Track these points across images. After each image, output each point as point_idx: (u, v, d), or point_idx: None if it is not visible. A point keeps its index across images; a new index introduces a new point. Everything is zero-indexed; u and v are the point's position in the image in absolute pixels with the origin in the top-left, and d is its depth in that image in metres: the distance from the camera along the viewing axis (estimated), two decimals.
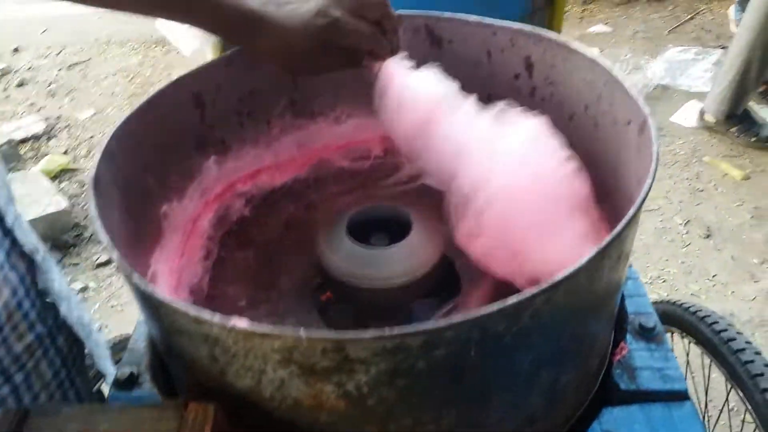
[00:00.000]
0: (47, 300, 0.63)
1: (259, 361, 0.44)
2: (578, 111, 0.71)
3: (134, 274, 0.46)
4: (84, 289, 2.09)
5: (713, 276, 2.03)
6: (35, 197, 2.38)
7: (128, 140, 0.63)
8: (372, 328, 0.41)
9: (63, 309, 0.64)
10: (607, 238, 0.45)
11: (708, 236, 2.15)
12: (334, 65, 0.71)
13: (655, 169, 0.49)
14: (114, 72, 3.27)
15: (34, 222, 2.27)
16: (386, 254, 0.66)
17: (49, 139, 2.93)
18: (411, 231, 0.68)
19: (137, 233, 0.65)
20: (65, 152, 2.82)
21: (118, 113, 3.00)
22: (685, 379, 1.18)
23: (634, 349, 0.65)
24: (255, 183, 0.84)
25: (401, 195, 0.87)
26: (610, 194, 0.64)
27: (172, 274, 0.69)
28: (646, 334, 0.66)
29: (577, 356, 0.55)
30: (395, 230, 0.70)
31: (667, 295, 1.99)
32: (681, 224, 2.20)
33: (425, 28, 0.75)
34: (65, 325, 0.65)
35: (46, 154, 2.79)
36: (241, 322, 0.41)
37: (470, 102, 0.65)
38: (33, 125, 2.98)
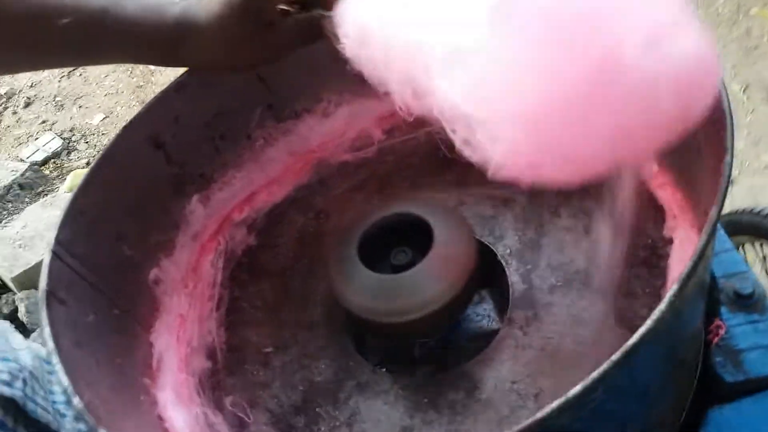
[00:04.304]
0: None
1: None
2: None
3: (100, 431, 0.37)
4: None
5: None
6: None
7: (83, 219, 0.54)
8: None
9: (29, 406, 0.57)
10: (684, 272, 0.33)
11: None
12: (290, 38, 0.58)
13: (732, 140, 0.36)
14: (113, 69, 3.17)
15: None
16: (408, 280, 0.55)
17: (69, 153, 2.90)
18: (433, 242, 0.57)
19: (127, 317, 0.57)
20: (87, 163, 2.78)
21: (127, 111, 2.92)
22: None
23: (732, 325, 0.53)
24: (252, 207, 0.74)
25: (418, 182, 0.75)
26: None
27: (180, 345, 0.61)
28: (745, 302, 0.54)
29: (669, 383, 0.44)
30: (415, 238, 0.59)
31: (738, 173, 1.82)
32: (740, 90, 1.98)
33: None
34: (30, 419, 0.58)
35: (70, 170, 2.76)
36: None
37: None
38: (50, 143, 2.94)
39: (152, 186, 0.62)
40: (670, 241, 0.55)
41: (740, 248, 1.02)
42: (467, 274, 0.55)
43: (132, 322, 0.57)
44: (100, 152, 0.56)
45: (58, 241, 0.51)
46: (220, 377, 0.64)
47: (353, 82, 0.71)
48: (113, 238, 0.57)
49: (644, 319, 0.57)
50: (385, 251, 0.60)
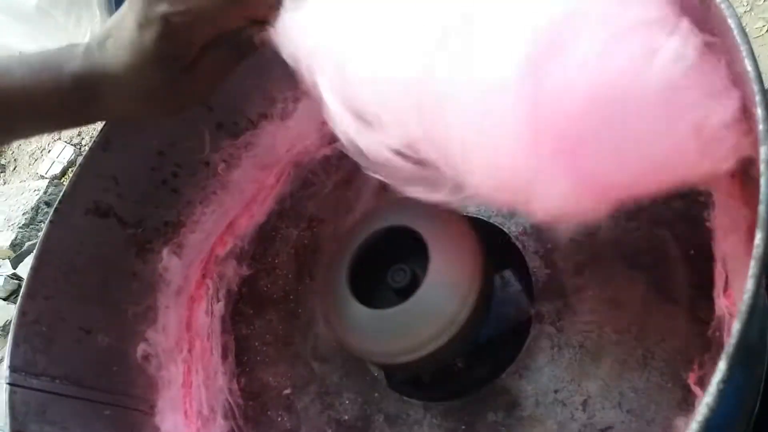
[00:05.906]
0: None
1: None
2: None
3: None
4: None
5: None
6: None
7: (38, 329, 0.48)
8: None
9: None
10: (731, 346, 0.24)
11: None
12: (217, 71, 0.49)
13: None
14: None
15: None
16: (413, 310, 0.48)
17: None
18: (429, 255, 0.48)
19: (121, 412, 0.52)
20: None
21: None
22: None
23: None
24: (236, 235, 0.67)
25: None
26: None
27: (190, 421, 0.56)
28: None
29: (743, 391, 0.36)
30: (411, 250, 0.51)
31: None
32: None
33: None
34: None
35: None
36: None
37: None
38: (63, 153, 2.92)
39: (110, 259, 0.56)
40: (709, 194, 0.45)
41: None
42: (479, 279, 0.47)
43: (129, 414, 0.52)
44: (37, 247, 0.50)
45: (13, 368, 0.45)
46: None
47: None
48: (81, 333, 0.52)
49: (691, 290, 0.48)
50: (380, 272, 0.53)
